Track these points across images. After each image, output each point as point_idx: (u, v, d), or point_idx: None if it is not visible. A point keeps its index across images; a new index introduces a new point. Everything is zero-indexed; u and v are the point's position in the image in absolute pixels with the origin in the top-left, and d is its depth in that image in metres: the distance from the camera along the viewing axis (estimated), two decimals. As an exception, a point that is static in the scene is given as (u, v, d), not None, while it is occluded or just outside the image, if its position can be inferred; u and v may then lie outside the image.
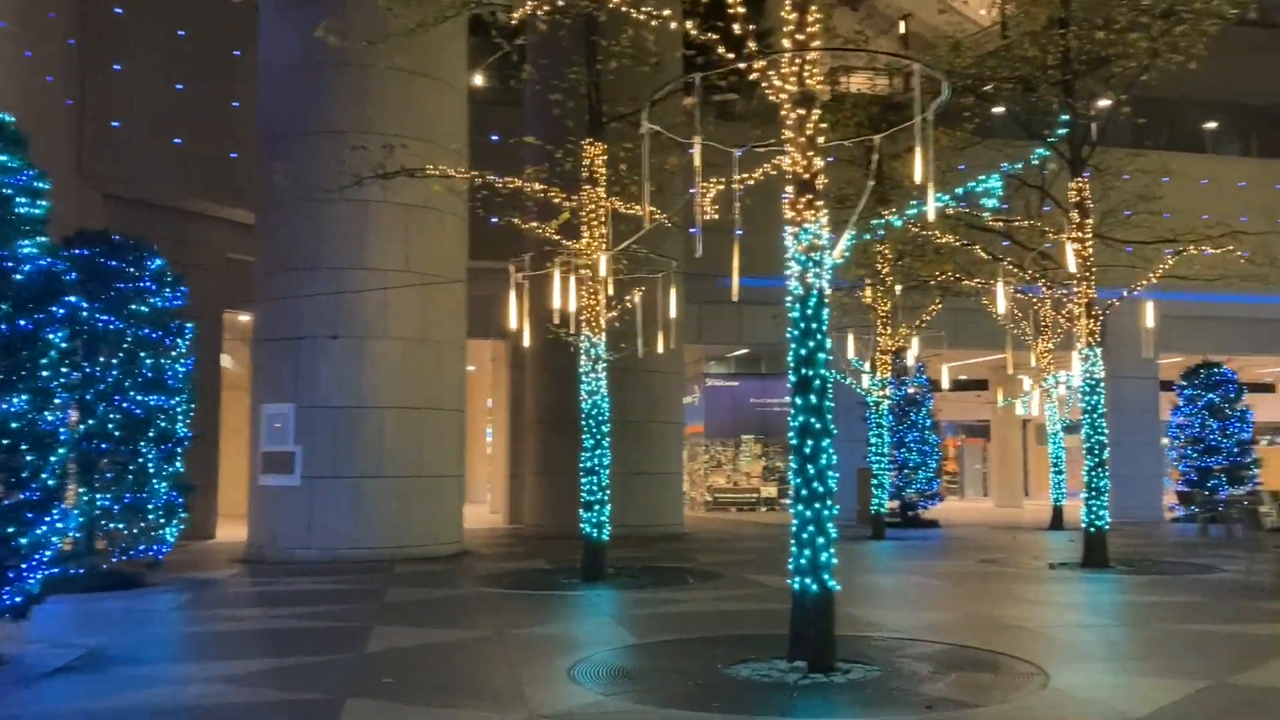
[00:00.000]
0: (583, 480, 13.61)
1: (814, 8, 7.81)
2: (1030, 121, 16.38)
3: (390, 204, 17.08)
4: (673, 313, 14.10)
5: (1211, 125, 33.18)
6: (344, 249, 17.05)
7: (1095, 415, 15.44)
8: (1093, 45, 14.27)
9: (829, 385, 7.80)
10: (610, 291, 13.63)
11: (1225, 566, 14.89)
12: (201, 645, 9.65)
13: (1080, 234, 15.33)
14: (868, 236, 9.98)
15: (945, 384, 23.25)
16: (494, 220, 14.48)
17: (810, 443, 7.60)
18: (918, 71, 7.37)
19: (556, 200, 13.55)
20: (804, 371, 7.66)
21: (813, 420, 7.62)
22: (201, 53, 21.09)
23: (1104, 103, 15.86)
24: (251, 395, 17.87)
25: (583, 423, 13.69)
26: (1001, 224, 16.51)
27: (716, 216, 9.81)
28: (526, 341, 13.88)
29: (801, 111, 7.82)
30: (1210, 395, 28.06)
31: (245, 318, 21.87)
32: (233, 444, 22.69)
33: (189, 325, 14.12)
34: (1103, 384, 15.56)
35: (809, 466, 7.60)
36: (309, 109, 17.33)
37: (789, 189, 7.85)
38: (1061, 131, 13.38)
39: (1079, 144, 15.38)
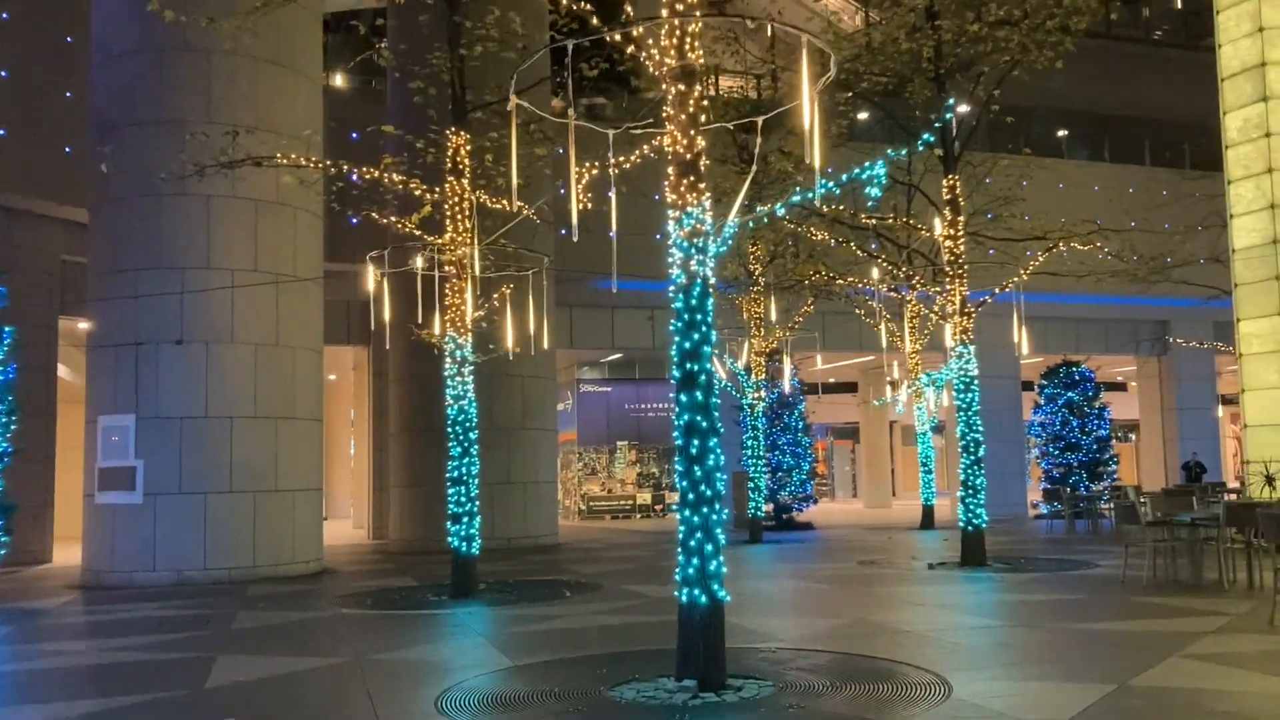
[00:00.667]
0: (450, 491, 12.81)
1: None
2: (902, 119, 16.28)
3: (238, 199, 15.97)
4: (545, 311, 13.42)
5: (1065, 133, 34.20)
6: (187, 247, 15.83)
7: (970, 413, 15.35)
8: (966, 38, 14.17)
9: (715, 381, 7.26)
10: (477, 290, 12.88)
11: (1100, 562, 14.96)
12: (18, 686, 8.53)
13: (952, 230, 15.25)
14: (750, 225, 9.50)
15: (821, 388, 23.18)
16: (354, 220, 13.59)
17: (697, 442, 7.03)
18: (806, 41, 6.89)
19: (418, 193, 12.72)
20: (689, 366, 7.09)
21: (699, 419, 7.05)
22: (28, 37, 19.48)
23: (964, 109, 15.87)
24: (87, 406, 16.44)
25: (449, 430, 12.89)
26: (875, 221, 16.33)
27: (589, 206, 9.19)
28: (387, 343, 12.99)
29: (682, 87, 7.26)
30: (1070, 394, 28.79)
31: (85, 325, 20.33)
32: (72, 460, 21.01)
33: (7, 329, 12.81)
34: (977, 381, 15.50)
35: (696, 468, 7.02)
36: (146, 96, 16.06)
37: (670, 170, 7.27)
38: (948, 117, 13.13)
39: (951, 140, 15.30)
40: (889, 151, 8.69)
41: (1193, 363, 32.46)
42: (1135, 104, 34.49)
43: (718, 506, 7.04)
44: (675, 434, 7.19)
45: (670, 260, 7.20)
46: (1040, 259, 15.77)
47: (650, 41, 7.33)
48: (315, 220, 17.35)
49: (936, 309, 16.04)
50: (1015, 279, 15.67)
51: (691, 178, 7.21)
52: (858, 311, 24.14)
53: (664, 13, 7.27)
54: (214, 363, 15.85)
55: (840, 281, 17.86)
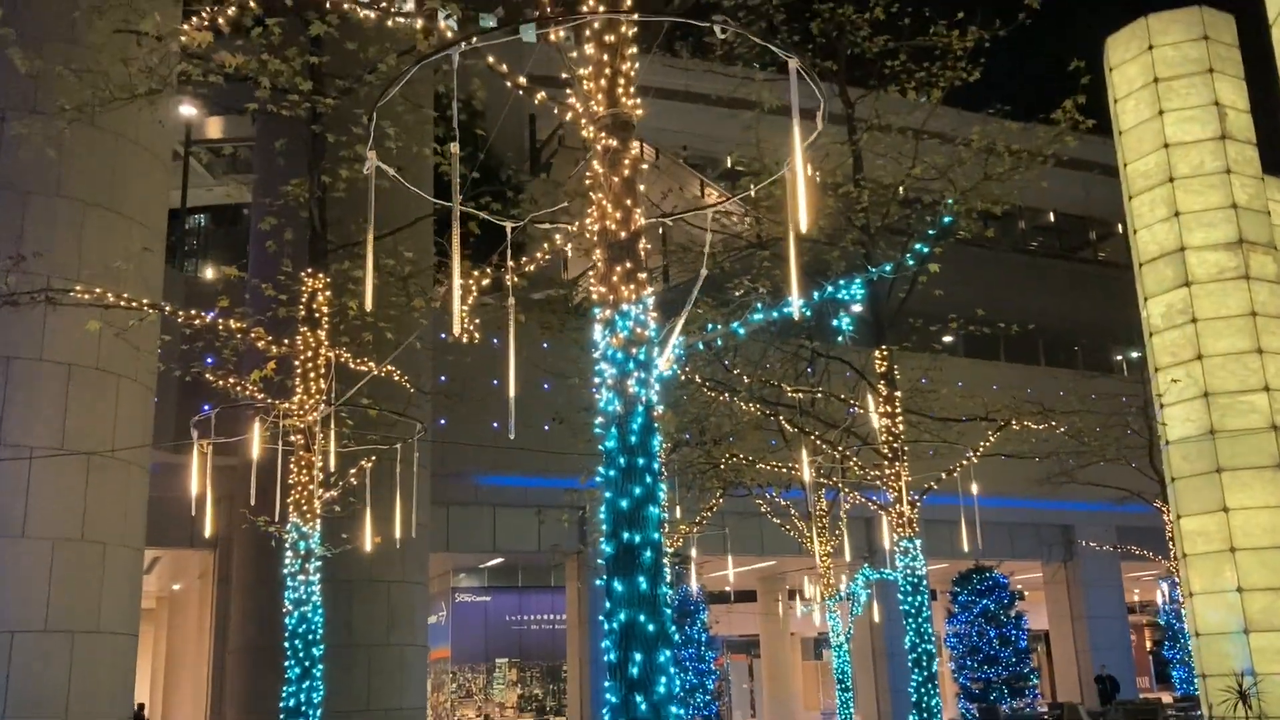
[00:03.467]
0: (284, 726, 9.86)
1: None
2: (823, 283, 14.72)
3: (45, 363, 13.23)
4: (416, 494, 10.90)
5: (951, 339, 33.86)
6: (-29, 418, 12.92)
7: (920, 619, 13.08)
8: (911, 180, 12.72)
9: (665, 561, 4.87)
10: (329, 465, 10.34)
11: (1081, 800, 12.57)
12: None
13: (890, 408, 13.41)
14: (700, 346, 7.36)
15: (732, 596, 20.79)
16: (206, 408, 11.15)
17: (639, 657, 4.55)
18: (793, 68, 4.94)
19: (261, 344, 10.31)
20: (626, 537, 4.70)
21: (643, 619, 4.60)
22: None
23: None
24: None
25: (286, 645, 10.03)
26: (801, 395, 14.40)
27: (477, 338, 6.98)
28: (207, 530, 10.26)
29: (614, 142, 5.19)
30: (985, 601, 27.02)
31: None
32: None
33: None
34: (925, 582, 13.35)
35: (638, 699, 4.52)
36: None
37: (598, 255, 5.10)
38: (889, 267, 11.42)
39: (883, 304, 13.66)
40: (869, 270, 6.75)
41: (1099, 569, 31.36)
42: (1021, 310, 34.62)
43: (673, 759, 4.53)
44: (605, 643, 4.70)
45: (598, 381, 4.92)
46: (992, 439, 13.98)
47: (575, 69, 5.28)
48: (144, 391, 14.59)
49: (863, 500, 14.06)
50: (962, 462, 13.80)
51: (628, 264, 5.03)
52: (761, 508, 22.06)
53: (588, 49, 5.28)
54: (-4, 562, 12.69)
55: (762, 466, 15.74)
